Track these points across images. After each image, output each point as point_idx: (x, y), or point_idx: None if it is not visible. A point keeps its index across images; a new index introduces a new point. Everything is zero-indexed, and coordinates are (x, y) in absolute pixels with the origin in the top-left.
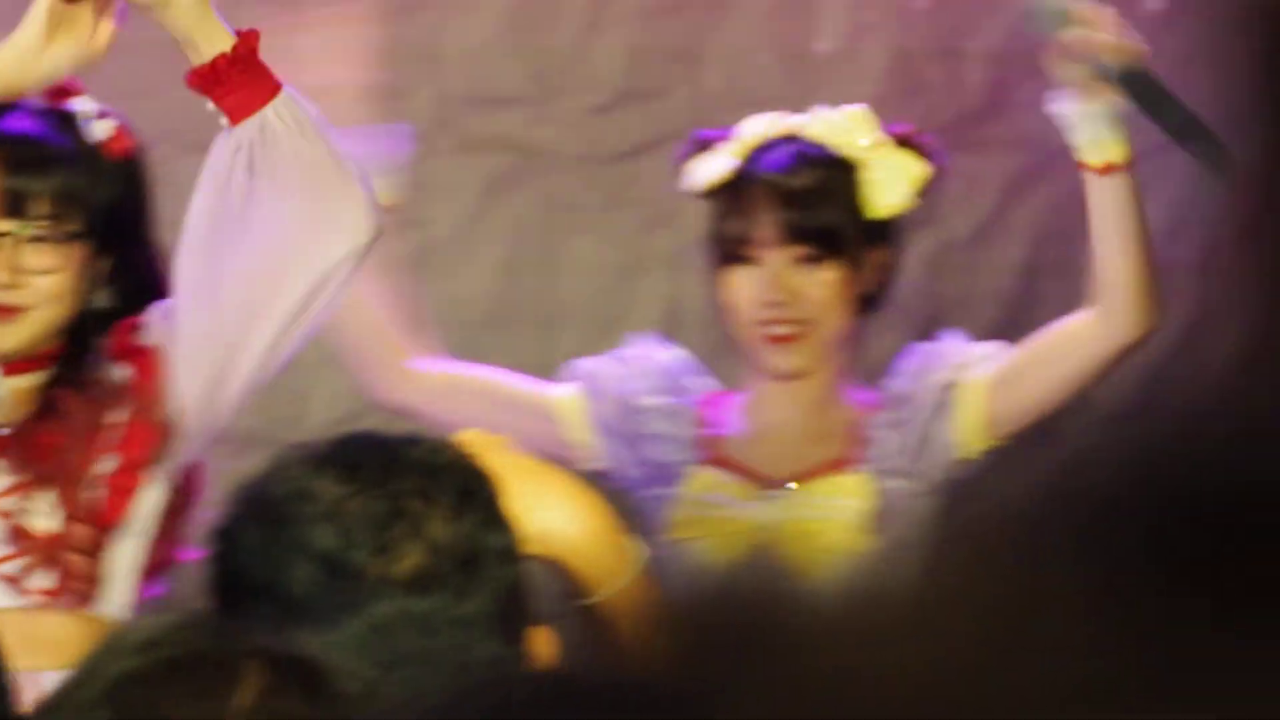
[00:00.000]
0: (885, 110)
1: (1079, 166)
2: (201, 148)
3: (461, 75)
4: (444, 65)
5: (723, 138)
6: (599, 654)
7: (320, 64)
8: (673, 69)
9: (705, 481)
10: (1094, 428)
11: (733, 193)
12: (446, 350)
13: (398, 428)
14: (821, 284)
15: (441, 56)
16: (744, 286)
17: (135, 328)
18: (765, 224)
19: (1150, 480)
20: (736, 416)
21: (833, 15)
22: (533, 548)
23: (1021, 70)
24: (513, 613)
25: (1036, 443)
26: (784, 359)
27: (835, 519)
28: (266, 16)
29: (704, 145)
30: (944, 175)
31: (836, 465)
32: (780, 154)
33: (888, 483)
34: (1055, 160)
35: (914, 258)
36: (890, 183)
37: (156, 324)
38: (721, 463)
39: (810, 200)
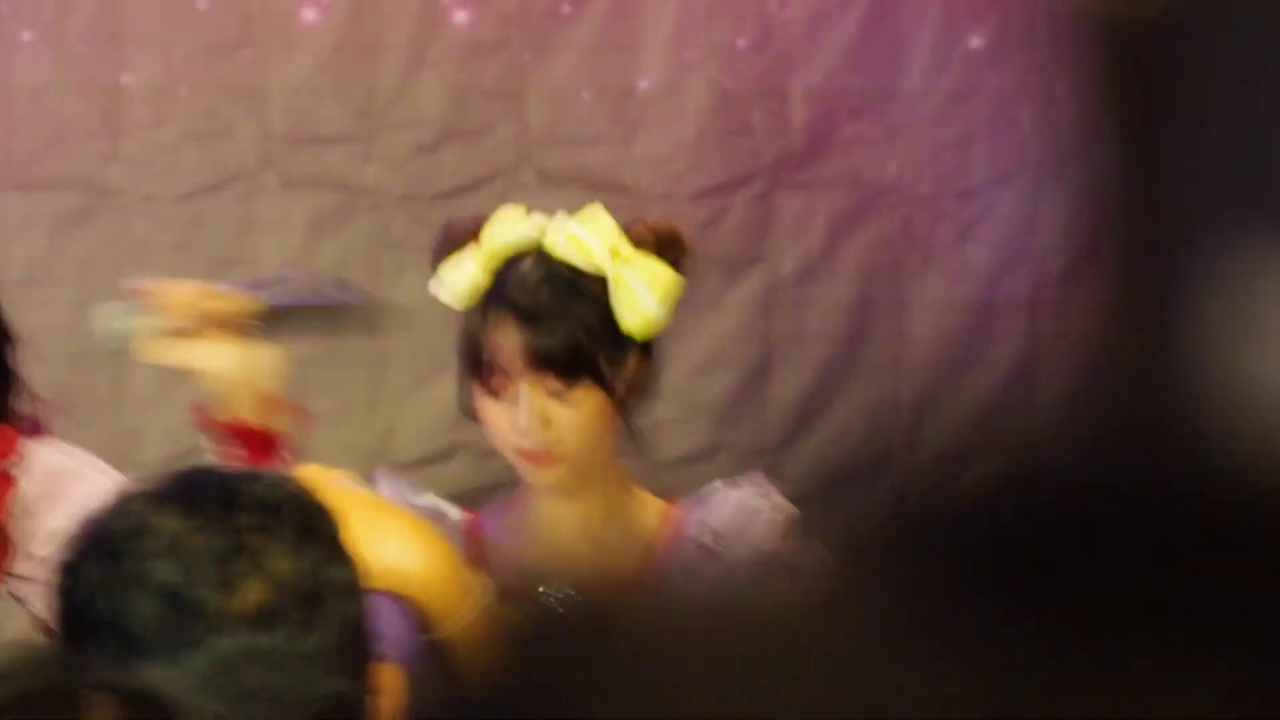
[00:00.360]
0: (709, 150)
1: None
2: (25, 186)
3: (285, 114)
4: (267, 104)
5: (473, 228)
6: (444, 689)
7: None
8: (496, 106)
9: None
10: (926, 466)
11: (480, 312)
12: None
13: (234, 465)
14: (575, 407)
15: (265, 95)
16: (495, 412)
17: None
18: (511, 354)
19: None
20: (512, 534)
21: (655, 54)
22: (375, 582)
23: (844, 110)
24: (356, 648)
25: (864, 484)
26: (542, 474)
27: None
28: None
29: (451, 237)
30: (689, 280)
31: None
32: (524, 273)
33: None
34: (880, 198)
35: (744, 297)
36: (639, 294)
37: (29, 467)
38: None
39: (552, 324)
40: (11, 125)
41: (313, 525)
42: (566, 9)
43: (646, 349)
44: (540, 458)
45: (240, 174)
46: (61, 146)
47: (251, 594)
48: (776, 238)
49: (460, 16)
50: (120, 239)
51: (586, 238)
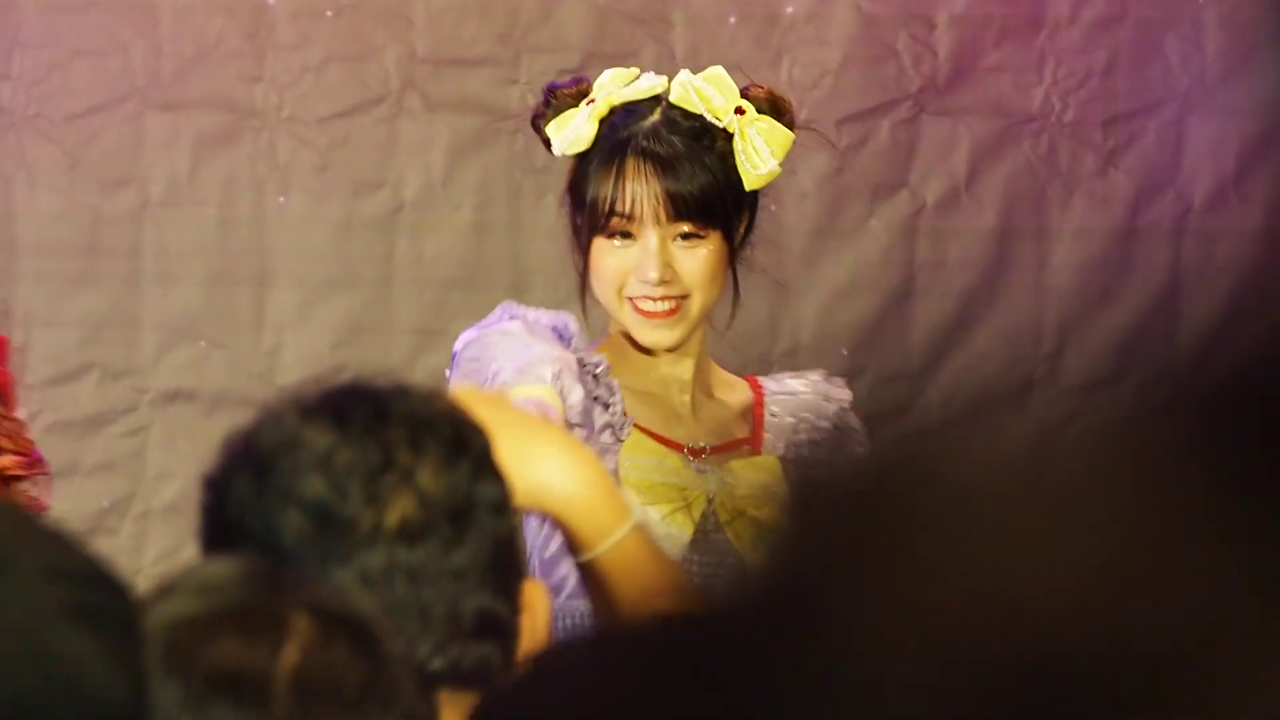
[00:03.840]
0: (854, 75)
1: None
2: (169, 106)
3: (429, 36)
4: (411, 26)
5: (578, 90)
6: (598, 609)
7: None
8: (642, 31)
9: (638, 445)
10: (1065, 397)
11: (602, 159)
12: (416, 311)
13: (381, 381)
14: (700, 258)
15: (409, 18)
16: (618, 258)
17: None
18: (641, 198)
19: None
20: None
21: None
22: (525, 501)
23: (989, 36)
24: (504, 565)
25: (1001, 415)
26: (661, 334)
27: (762, 498)
28: None
29: (558, 100)
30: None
31: (741, 444)
32: (650, 122)
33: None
34: (1024, 125)
35: (887, 223)
36: (760, 149)
37: None
38: (640, 428)
39: (688, 172)
40: (156, 45)
41: (463, 441)
42: None
43: (751, 215)
44: (665, 313)
45: (383, 96)
46: (206, 66)
47: (400, 509)
48: (920, 164)
49: None
50: (263, 160)
51: (712, 92)
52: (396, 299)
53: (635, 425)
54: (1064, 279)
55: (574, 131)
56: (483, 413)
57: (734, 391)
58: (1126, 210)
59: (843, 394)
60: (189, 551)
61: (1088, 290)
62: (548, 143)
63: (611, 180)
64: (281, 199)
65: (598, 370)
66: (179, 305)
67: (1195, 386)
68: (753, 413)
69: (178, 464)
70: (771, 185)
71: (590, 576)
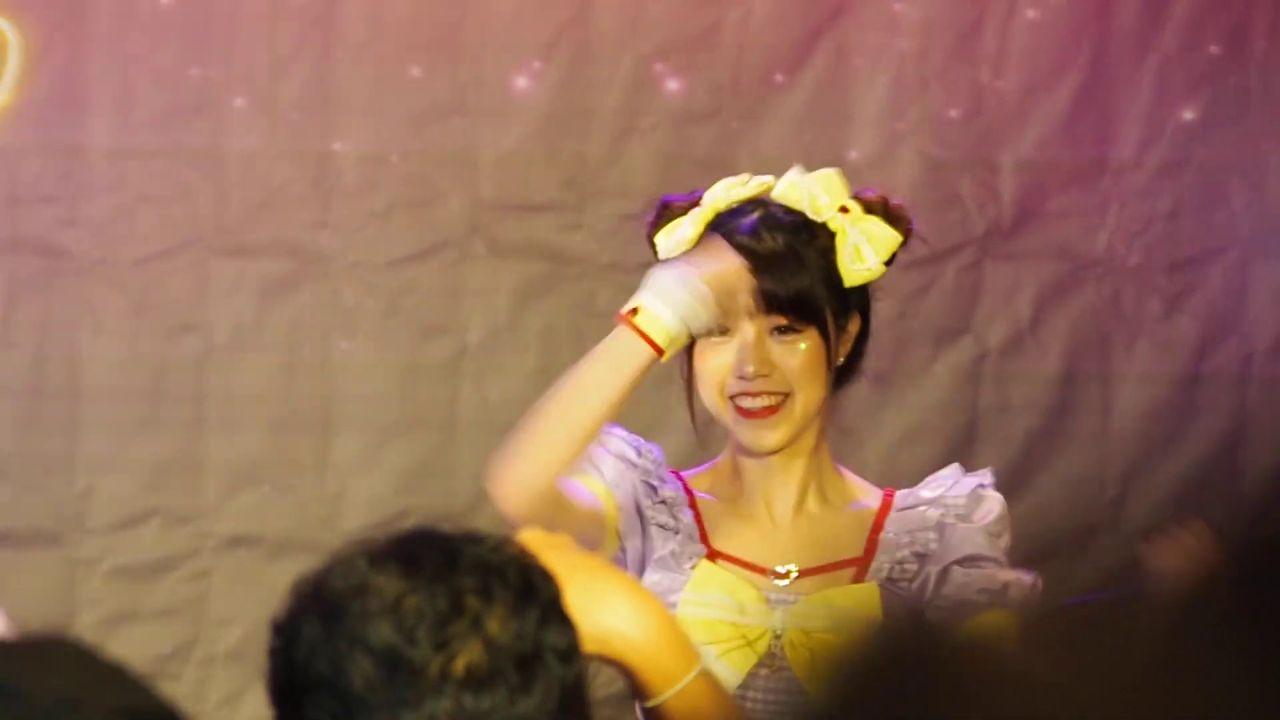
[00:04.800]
0: (919, 220)
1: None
2: (234, 251)
3: (494, 181)
4: (477, 171)
5: (690, 202)
6: None
7: None
8: (706, 176)
9: (713, 581)
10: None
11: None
12: (481, 456)
13: (450, 527)
14: (798, 354)
15: (475, 162)
16: (717, 357)
17: None
18: (741, 294)
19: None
20: (714, 501)
21: (866, 124)
22: (593, 647)
23: (1054, 181)
24: (572, 711)
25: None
26: (763, 434)
27: (842, 627)
28: None
29: (670, 211)
30: (913, 240)
31: (845, 565)
32: (750, 219)
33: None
34: (1088, 269)
35: (951, 368)
36: (862, 248)
37: None
38: (716, 556)
39: (784, 267)
40: (222, 191)
41: (533, 588)
42: (779, 78)
43: (865, 318)
44: (765, 410)
45: (449, 241)
46: (271, 213)
47: (469, 656)
48: (984, 308)
49: (672, 85)
50: (327, 305)
51: (817, 189)
52: (460, 444)
53: (712, 554)
54: (1128, 424)
55: (678, 236)
56: (551, 559)
57: (860, 503)
58: (1190, 355)
59: (975, 496)
60: (252, 697)
61: (1152, 436)
62: (655, 253)
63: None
64: (346, 344)
65: (668, 497)
66: (242, 450)
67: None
68: (871, 528)
69: (240, 609)
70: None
71: None
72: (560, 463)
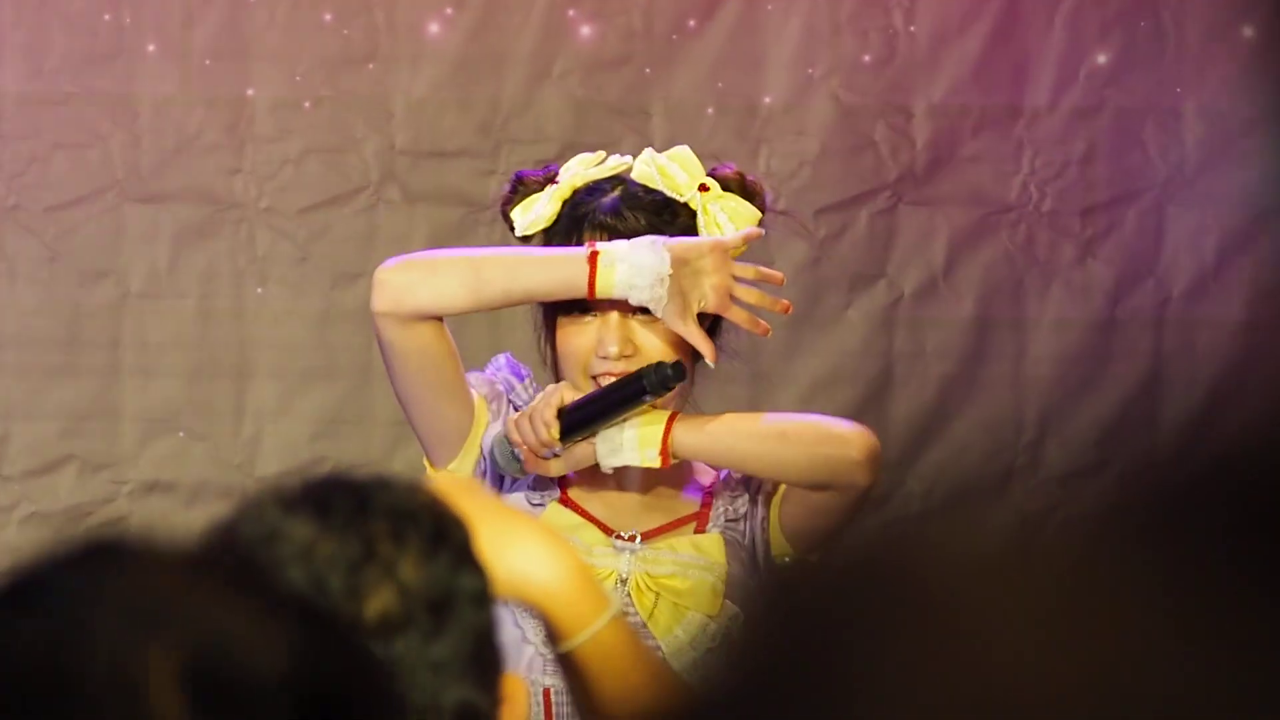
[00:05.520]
0: (833, 166)
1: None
2: (149, 198)
3: (408, 128)
4: (391, 118)
5: (545, 177)
6: (578, 699)
7: None
8: (620, 122)
9: (560, 520)
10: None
11: (561, 238)
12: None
13: (362, 472)
14: (661, 333)
15: (389, 109)
16: (579, 336)
17: None
18: None
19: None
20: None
21: (779, 70)
22: (505, 592)
23: (967, 126)
24: (484, 658)
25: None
26: None
27: (688, 576)
28: None
29: (525, 186)
30: (767, 217)
31: (685, 521)
32: (611, 198)
33: (737, 552)
34: (1002, 214)
35: (864, 313)
36: (724, 225)
37: None
38: (568, 503)
39: None
40: (135, 137)
41: (445, 533)
42: (691, 24)
43: None
44: None
45: (363, 187)
46: (185, 159)
47: (381, 602)
48: (899, 253)
49: (585, 31)
50: (242, 251)
51: (675, 169)
52: (375, 390)
53: (565, 499)
54: (1043, 368)
55: (535, 212)
56: (461, 503)
57: (700, 476)
58: (1106, 300)
59: None
60: None
61: (1067, 380)
62: (513, 228)
63: None
64: (260, 290)
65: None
66: (158, 397)
67: (1174, 478)
68: (706, 489)
69: None
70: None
71: (569, 667)
72: (451, 299)
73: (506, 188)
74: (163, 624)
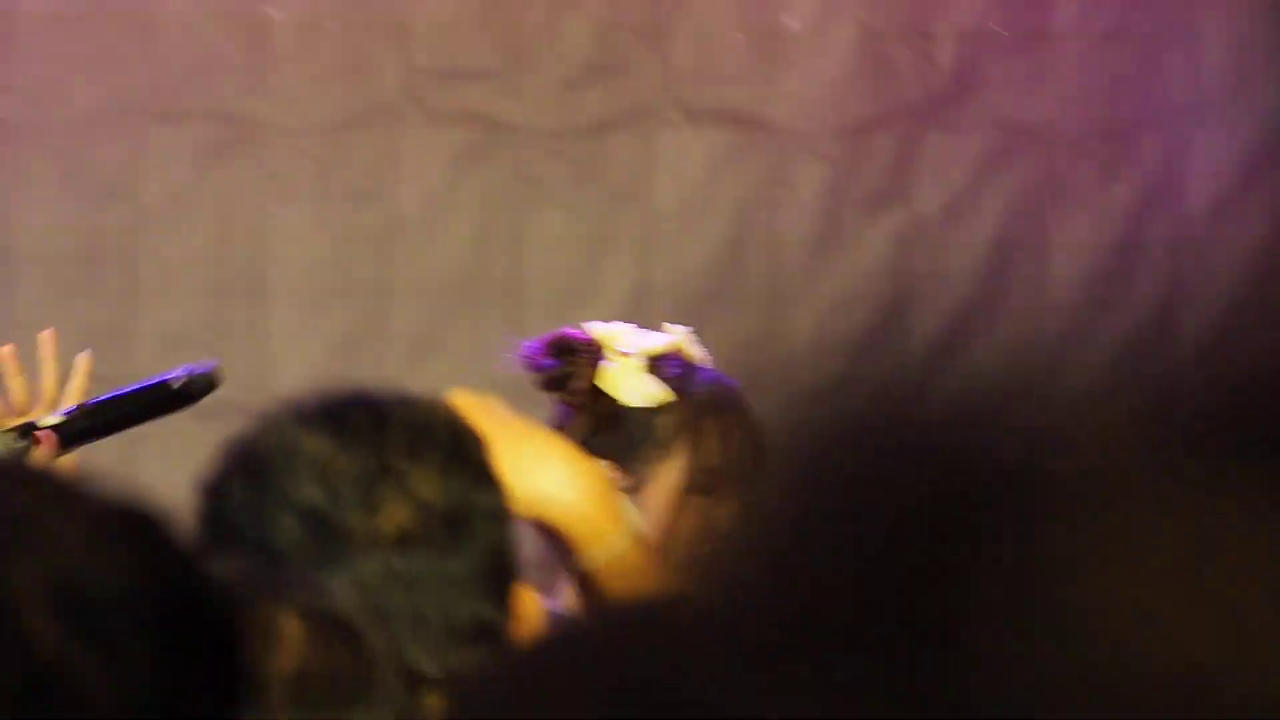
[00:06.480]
0: (855, 89)
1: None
2: (168, 117)
3: (430, 49)
4: (413, 39)
5: (586, 343)
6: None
7: None
8: (642, 44)
9: None
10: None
11: (681, 416)
12: (415, 322)
13: (380, 390)
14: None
15: (411, 30)
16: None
17: None
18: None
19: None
20: None
21: None
22: (524, 510)
23: (991, 50)
24: (500, 573)
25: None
26: None
27: None
28: None
29: (570, 350)
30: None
31: None
32: (706, 371)
33: None
34: (1024, 138)
35: (885, 235)
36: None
37: None
38: None
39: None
40: (156, 56)
41: (462, 449)
42: None
43: None
44: None
45: (383, 108)
46: (205, 78)
47: (396, 516)
48: (920, 177)
49: None
50: (262, 172)
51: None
52: (395, 310)
53: None
54: (1063, 291)
55: (648, 388)
56: (482, 421)
57: None
58: (1127, 222)
59: None
60: None
61: (1088, 302)
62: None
63: (703, 438)
64: (280, 211)
65: None
66: (176, 317)
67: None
68: None
69: (173, 475)
70: (770, 195)
71: (588, 589)
72: None
73: (542, 349)
74: (24, 547)
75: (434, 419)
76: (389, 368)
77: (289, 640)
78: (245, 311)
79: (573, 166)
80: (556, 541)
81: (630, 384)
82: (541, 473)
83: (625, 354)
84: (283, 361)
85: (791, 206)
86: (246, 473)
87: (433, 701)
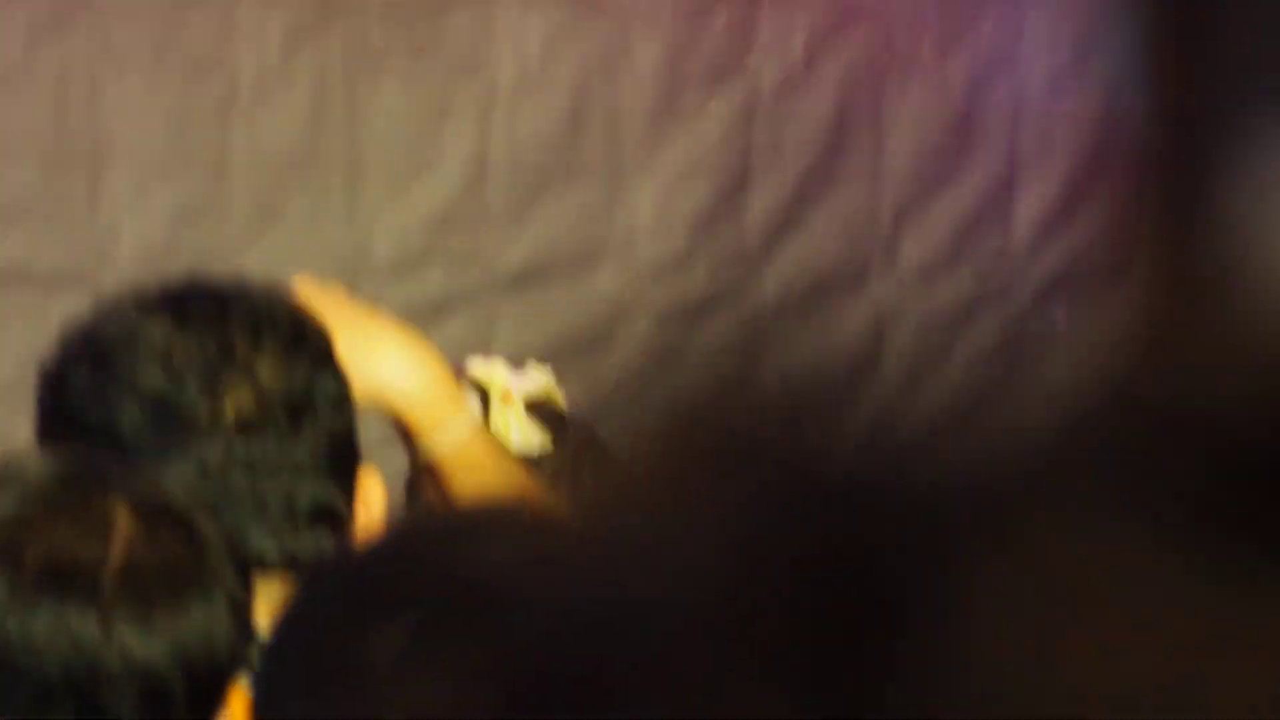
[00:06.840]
0: None
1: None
2: None
3: None
4: None
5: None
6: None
7: None
8: None
9: None
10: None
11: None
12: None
13: (221, 277)
14: None
15: None
16: None
17: None
18: None
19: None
20: None
21: None
22: (365, 397)
23: None
24: (342, 458)
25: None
26: None
27: None
28: None
29: None
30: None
31: None
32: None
33: None
34: (861, 10)
35: (723, 109)
36: None
37: None
38: None
39: None
40: None
41: (304, 336)
42: None
43: None
44: None
45: None
46: None
47: (238, 401)
48: (758, 49)
49: None
50: (98, 43)
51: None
52: (233, 181)
53: None
54: (901, 163)
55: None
56: (323, 308)
57: None
58: (963, 95)
59: None
60: (23, 434)
61: (925, 175)
62: None
63: None
64: (115, 84)
65: None
66: (14, 188)
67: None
68: None
69: (11, 345)
70: (609, 70)
71: (432, 478)
72: None
73: None
74: None
75: (276, 306)
76: (228, 238)
77: (119, 532)
78: (84, 183)
79: (410, 39)
80: (404, 431)
81: (519, 431)
82: (381, 361)
83: (509, 399)
84: (122, 232)
85: (630, 80)
86: (89, 360)
87: (275, 586)
